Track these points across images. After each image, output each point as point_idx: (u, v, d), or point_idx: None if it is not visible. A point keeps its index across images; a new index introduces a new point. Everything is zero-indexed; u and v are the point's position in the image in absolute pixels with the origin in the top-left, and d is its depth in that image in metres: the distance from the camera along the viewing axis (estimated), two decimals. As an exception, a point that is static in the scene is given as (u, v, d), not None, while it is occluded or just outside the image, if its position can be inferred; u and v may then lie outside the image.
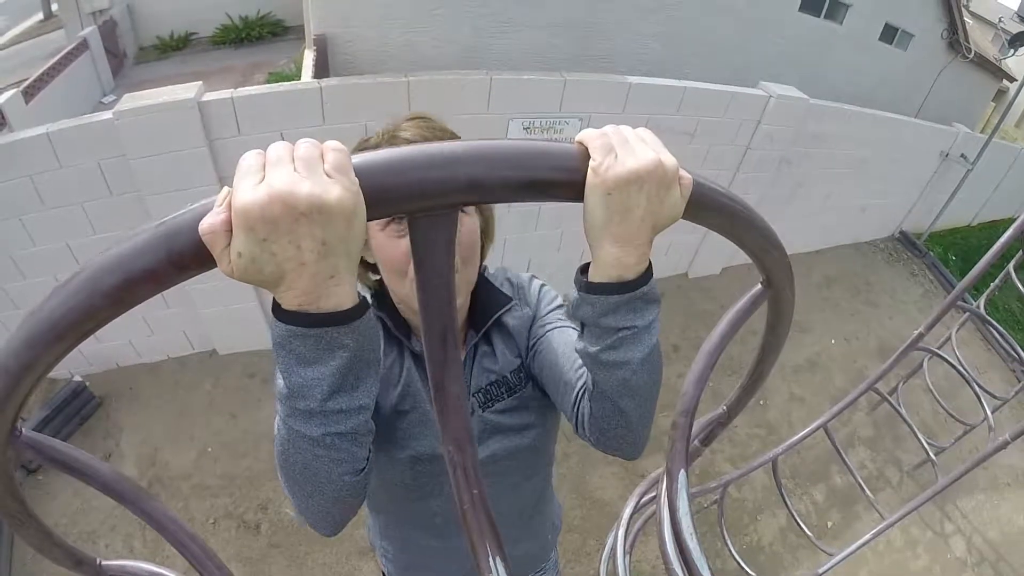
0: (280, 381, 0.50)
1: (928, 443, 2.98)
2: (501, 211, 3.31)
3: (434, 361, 0.46)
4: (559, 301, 0.99)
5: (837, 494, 3.65)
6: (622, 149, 0.46)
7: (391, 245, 0.77)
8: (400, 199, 0.39)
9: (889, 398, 2.93)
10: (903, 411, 2.93)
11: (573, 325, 0.92)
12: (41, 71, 6.68)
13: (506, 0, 5.31)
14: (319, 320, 0.43)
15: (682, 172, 0.48)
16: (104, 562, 0.84)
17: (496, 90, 3.26)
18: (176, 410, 3.46)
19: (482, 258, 0.92)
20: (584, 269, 0.58)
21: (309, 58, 4.53)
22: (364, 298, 0.46)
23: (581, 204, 0.54)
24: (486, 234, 0.89)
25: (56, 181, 2.83)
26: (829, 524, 3.50)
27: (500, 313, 0.92)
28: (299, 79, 4.38)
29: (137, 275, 0.36)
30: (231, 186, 0.38)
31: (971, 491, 3.85)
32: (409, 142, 0.76)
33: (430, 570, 1.13)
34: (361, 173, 0.38)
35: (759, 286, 0.70)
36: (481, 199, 0.41)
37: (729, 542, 2.59)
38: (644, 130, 0.50)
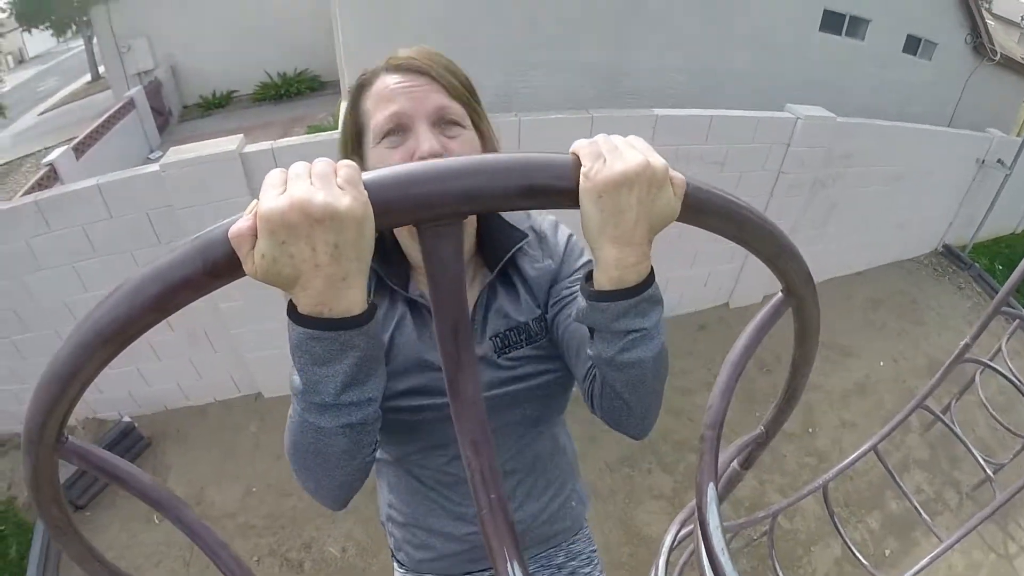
0: (296, 379, 0.55)
1: (985, 460, 2.85)
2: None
3: (448, 360, 0.48)
4: (587, 256, 0.88)
5: (893, 521, 3.49)
6: (611, 154, 0.48)
7: (388, 156, 0.75)
8: (406, 210, 0.43)
9: (941, 415, 2.82)
10: (956, 428, 2.81)
11: None
12: (90, 129, 7.08)
13: (534, 45, 5.48)
14: (333, 324, 0.47)
15: (673, 173, 0.50)
16: None
17: (525, 130, 3.34)
18: (222, 451, 3.53)
19: None
20: (588, 277, 0.60)
21: (344, 108, 4.71)
22: (373, 304, 0.50)
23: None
24: (487, 149, 0.84)
25: (107, 230, 2.98)
26: (887, 552, 3.34)
27: (514, 250, 0.85)
28: (337, 129, 4.55)
29: (176, 283, 0.40)
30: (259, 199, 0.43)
31: (1035, 510, 3.65)
32: (405, 60, 0.77)
33: (431, 531, 1.05)
34: (370, 187, 0.42)
35: (779, 294, 0.70)
36: (481, 208, 0.44)
37: (781, 575, 2.50)
38: (634, 137, 0.52)
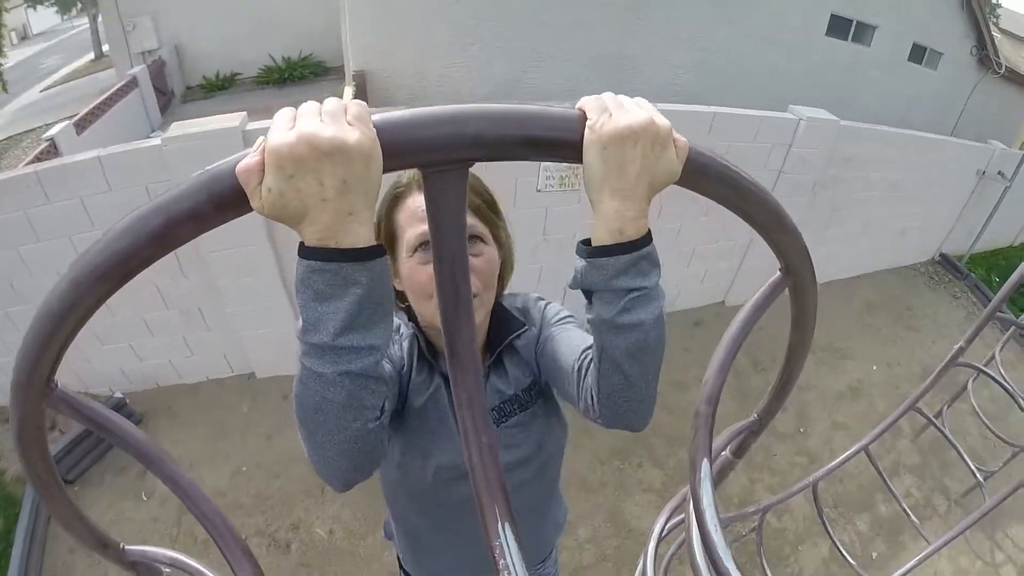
0: (299, 320, 0.54)
1: (976, 467, 2.85)
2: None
3: (446, 307, 0.49)
4: (564, 313, 1.04)
5: (882, 523, 3.51)
6: (616, 110, 0.50)
7: (418, 271, 0.86)
8: (413, 151, 0.44)
9: (933, 419, 2.83)
10: (948, 433, 2.81)
11: (578, 326, 0.97)
12: (92, 105, 7.03)
13: (538, 36, 5.46)
14: (336, 255, 0.47)
15: (677, 135, 0.51)
16: (127, 547, 0.86)
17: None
18: (213, 430, 3.53)
19: (502, 287, 1.00)
20: (585, 242, 0.61)
21: (348, 93, 4.70)
22: (380, 245, 0.50)
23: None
24: (505, 264, 0.98)
25: (106, 203, 2.96)
26: (874, 555, 3.36)
27: (512, 338, 0.99)
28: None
29: (180, 216, 0.40)
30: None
31: (1023, 518, 3.66)
32: None
33: (440, 556, 1.17)
34: (379, 127, 0.43)
35: (778, 273, 0.69)
36: (486, 155, 0.44)
37: (769, 573, 2.50)
38: (639, 97, 0.53)
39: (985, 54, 7.90)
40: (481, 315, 0.93)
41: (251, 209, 0.43)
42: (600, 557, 3.06)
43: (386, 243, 0.92)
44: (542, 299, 1.08)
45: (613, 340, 0.66)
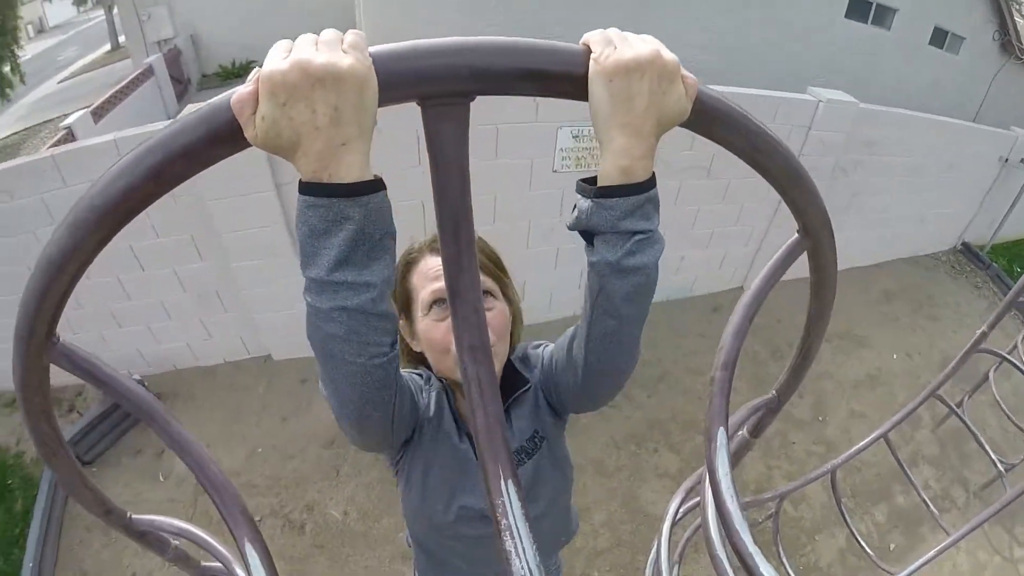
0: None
1: (997, 459, 2.80)
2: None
3: (449, 261, 0.48)
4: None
5: (900, 515, 3.46)
6: (622, 43, 0.48)
7: (434, 327, 0.91)
8: (410, 82, 0.42)
9: (954, 407, 2.77)
10: (968, 421, 2.76)
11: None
12: (109, 94, 7.10)
13: (549, 16, 5.41)
14: (329, 191, 0.47)
15: (685, 72, 0.50)
16: (135, 516, 0.86)
17: (544, 99, 3.28)
18: (229, 411, 3.55)
19: (515, 340, 1.04)
20: (587, 181, 0.60)
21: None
22: (378, 179, 0.49)
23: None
24: (516, 320, 1.03)
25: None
26: (891, 547, 3.32)
27: (518, 394, 1.02)
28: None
29: (177, 152, 0.40)
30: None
31: (1044, 513, 3.60)
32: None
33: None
34: (376, 56, 0.42)
35: (795, 235, 0.67)
36: (486, 88, 0.43)
37: (785, 561, 2.48)
38: (646, 34, 0.52)
39: (1008, 39, 7.75)
40: (495, 368, 0.96)
41: (248, 144, 0.42)
42: (615, 542, 3.05)
43: (403, 308, 0.98)
44: (539, 344, 1.10)
45: (615, 283, 0.65)
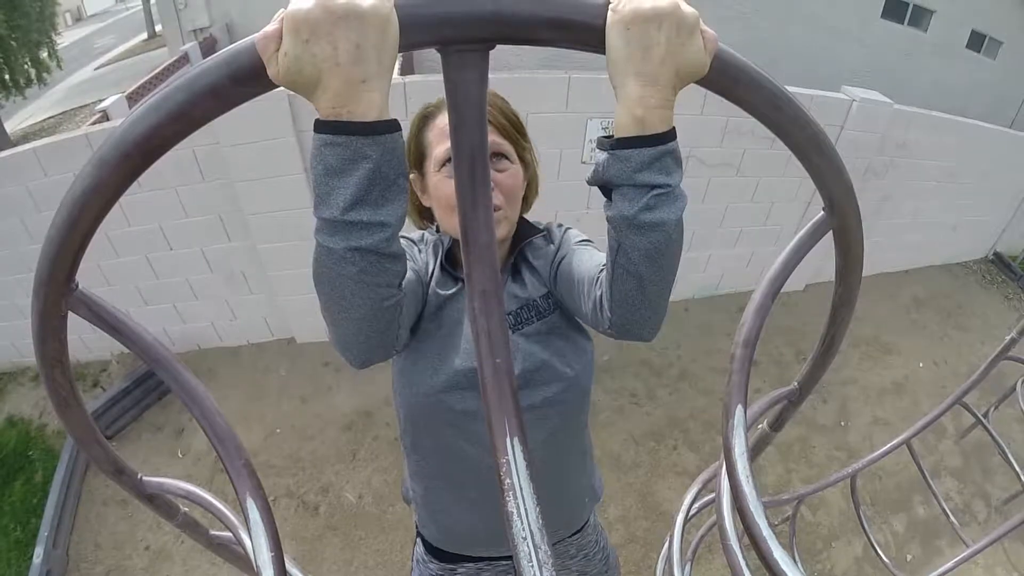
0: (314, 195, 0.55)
1: (1022, 473, 2.72)
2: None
3: (464, 200, 0.48)
4: (584, 237, 1.03)
5: (919, 526, 3.38)
6: None
7: (444, 184, 0.89)
8: (431, 25, 0.43)
9: (980, 416, 2.70)
10: (994, 432, 2.69)
11: (598, 250, 0.94)
12: (144, 79, 7.21)
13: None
14: (346, 128, 0.47)
15: (705, 27, 0.49)
16: (145, 478, 0.87)
17: (575, 89, 3.27)
18: (250, 392, 3.60)
19: (526, 207, 1.02)
20: (608, 137, 0.59)
21: (396, 60, 4.75)
22: (394, 120, 0.49)
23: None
24: (530, 185, 1.01)
25: (153, 167, 3.02)
26: (909, 557, 3.24)
27: (531, 238, 1.01)
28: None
29: (202, 91, 0.41)
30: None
31: (1067, 531, 3.49)
32: None
33: (450, 516, 1.13)
34: (399, 1, 0.43)
35: (821, 213, 0.65)
36: (506, 35, 0.43)
37: (801, 567, 2.43)
38: None
39: (1049, 45, 7.52)
40: (503, 230, 0.95)
41: (271, 84, 0.43)
42: (629, 538, 3.03)
43: (416, 163, 0.96)
44: (565, 226, 1.08)
45: (633, 240, 0.64)
